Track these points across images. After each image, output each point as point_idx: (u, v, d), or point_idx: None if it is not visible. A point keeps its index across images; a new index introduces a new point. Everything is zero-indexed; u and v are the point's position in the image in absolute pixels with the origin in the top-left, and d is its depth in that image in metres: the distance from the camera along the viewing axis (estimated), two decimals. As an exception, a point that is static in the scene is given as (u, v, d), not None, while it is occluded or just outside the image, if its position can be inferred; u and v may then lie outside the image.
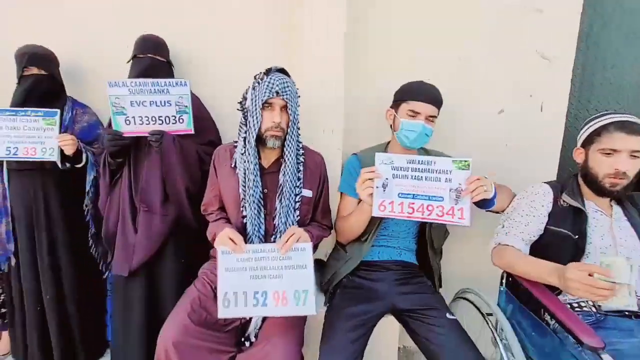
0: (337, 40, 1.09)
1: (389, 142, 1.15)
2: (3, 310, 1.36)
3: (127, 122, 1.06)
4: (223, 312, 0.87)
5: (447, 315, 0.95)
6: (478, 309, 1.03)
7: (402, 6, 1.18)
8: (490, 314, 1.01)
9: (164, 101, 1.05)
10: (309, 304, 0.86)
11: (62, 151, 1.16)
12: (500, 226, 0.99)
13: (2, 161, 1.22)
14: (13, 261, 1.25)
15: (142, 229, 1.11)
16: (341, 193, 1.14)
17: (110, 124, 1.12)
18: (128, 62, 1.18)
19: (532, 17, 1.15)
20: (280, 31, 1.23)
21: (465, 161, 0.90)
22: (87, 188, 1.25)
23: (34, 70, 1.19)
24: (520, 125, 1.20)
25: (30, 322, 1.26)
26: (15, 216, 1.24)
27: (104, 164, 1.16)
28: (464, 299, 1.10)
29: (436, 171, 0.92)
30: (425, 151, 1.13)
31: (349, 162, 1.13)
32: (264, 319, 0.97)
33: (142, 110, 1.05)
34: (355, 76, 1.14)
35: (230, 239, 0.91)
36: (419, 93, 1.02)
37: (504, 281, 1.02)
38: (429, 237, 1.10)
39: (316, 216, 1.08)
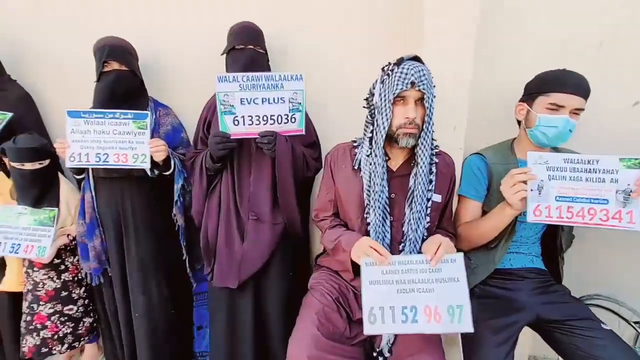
0: (468, 29, 0.96)
1: (514, 139, 1.04)
2: (88, 323, 1.30)
3: (236, 122, 0.95)
4: (369, 329, 0.80)
5: (603, 326, 0.88)
6: (623, 317, 0.97)
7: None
8: (638, 322, 0.95)
9: (277, 98, 0.94)
10: (465, 321, 0.79)
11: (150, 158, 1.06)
12: None
13: (87, 168, 1.12)
14: (109, 272, 1.18)
15: (251, 239, 1.03)
16: (460, 196, 1.06)
17: None
18: (223, 54, 1.06)
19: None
20: (397, 22, 1.10)
21: (636, 159, 0.81)
22: (176, 197, 1.15)
23: (115, 66, 1.07)
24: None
25: (125, 336, 1.20)
26: (104, 227, 1.15)
27: (201, 170, 1.07)
28: (595, 305, 1.04)
29: (599, 171, 0.83)
30: (555, 149, 1.03)
31: (471, 162, 1.03)
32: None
33: (253, 109, 0.94)
34: (477, 67, 1.02)
35: (373, 248, 0.83)
36: (564, 83, 0.89)
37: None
38: (559, 243, 1.02)
39: (442, 223, 0.99)
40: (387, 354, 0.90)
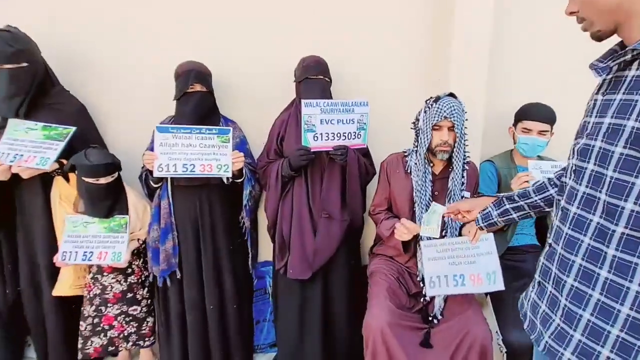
0: (481, 72, 1.33)
1: (512, 150, 1.43)
2: (151, 323, 1.35)
3: (315, 138, 1.17)
4: (431, 292, 1.08)
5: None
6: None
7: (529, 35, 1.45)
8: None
9: (349, 119, 1.18)
10: (498, 282, 1.09)
11: None
12: None
13: (166, 177, 1.23)
14: (178, 274, 1.27)
15: (322, 234, 1.23)
16: (478, 193, 1.39)
17: None
18: (295, 81, 1.28)
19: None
20: (430, 65, 1.42)
21: (593, 164, 1.22)
22: (245, 201, 1.32)
23: (197, 87, 1.22)
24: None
25: (193, 333, 1.29)
26: (181, 230, 1.26)
27: (277, 177, 1.25)
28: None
29: None
30: (539, 157, 1.42)
31: (485, 168, 1.38)
32: (446, 300, 1.18)
33: (330, 128, 1.17)
34: (488, 99, 1.38)
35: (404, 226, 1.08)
36: (530, 113, 1.28)
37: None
38: (548, 225, 1.40)
39: (470, 213, 1.31)
40: (439, 317, 1.16)
